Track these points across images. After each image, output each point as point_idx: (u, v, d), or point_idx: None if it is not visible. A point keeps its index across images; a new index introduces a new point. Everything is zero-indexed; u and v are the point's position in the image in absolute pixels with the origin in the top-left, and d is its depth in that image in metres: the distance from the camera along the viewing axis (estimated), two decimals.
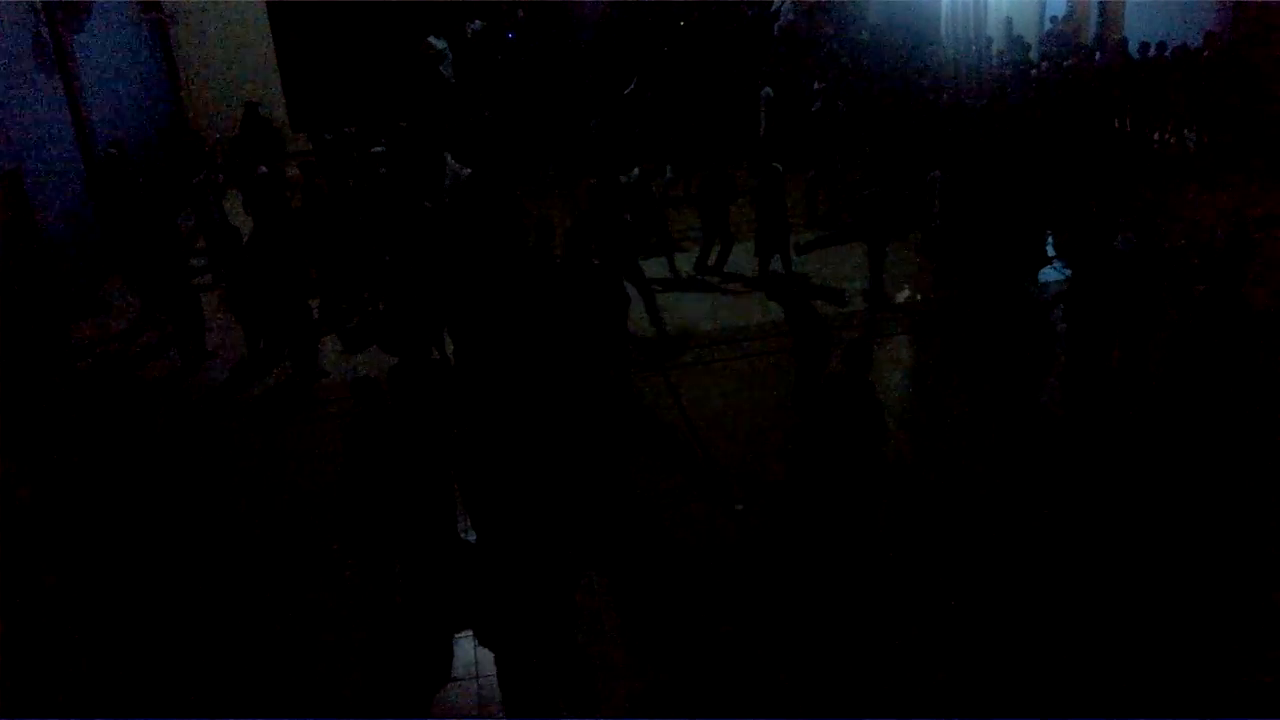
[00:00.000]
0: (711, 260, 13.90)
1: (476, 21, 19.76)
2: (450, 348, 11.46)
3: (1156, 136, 17.44)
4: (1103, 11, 20.63)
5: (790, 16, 20.79)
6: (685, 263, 14.13)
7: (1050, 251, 13.22)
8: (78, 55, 15.30)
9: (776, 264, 13.54)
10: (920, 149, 14.19)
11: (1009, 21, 20.55)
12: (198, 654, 8.05)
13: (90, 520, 9.70)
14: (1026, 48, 19.03)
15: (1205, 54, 16.96)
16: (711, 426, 10.49)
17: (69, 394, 11.96)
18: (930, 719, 7.10)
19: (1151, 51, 17.44)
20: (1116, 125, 17.32)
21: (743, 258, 14.10)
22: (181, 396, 11.90)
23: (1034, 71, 17.14)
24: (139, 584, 8.82)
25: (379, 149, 14.51)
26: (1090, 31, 20.40)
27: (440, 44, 19.12)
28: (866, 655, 7.65)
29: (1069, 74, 17.10)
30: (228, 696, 7.65)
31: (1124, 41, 17.91)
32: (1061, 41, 19.18)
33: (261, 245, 12.00)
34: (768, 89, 17.21)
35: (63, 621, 8.53)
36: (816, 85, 16.63)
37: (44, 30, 14.49)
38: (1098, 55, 18.18)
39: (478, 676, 7.69)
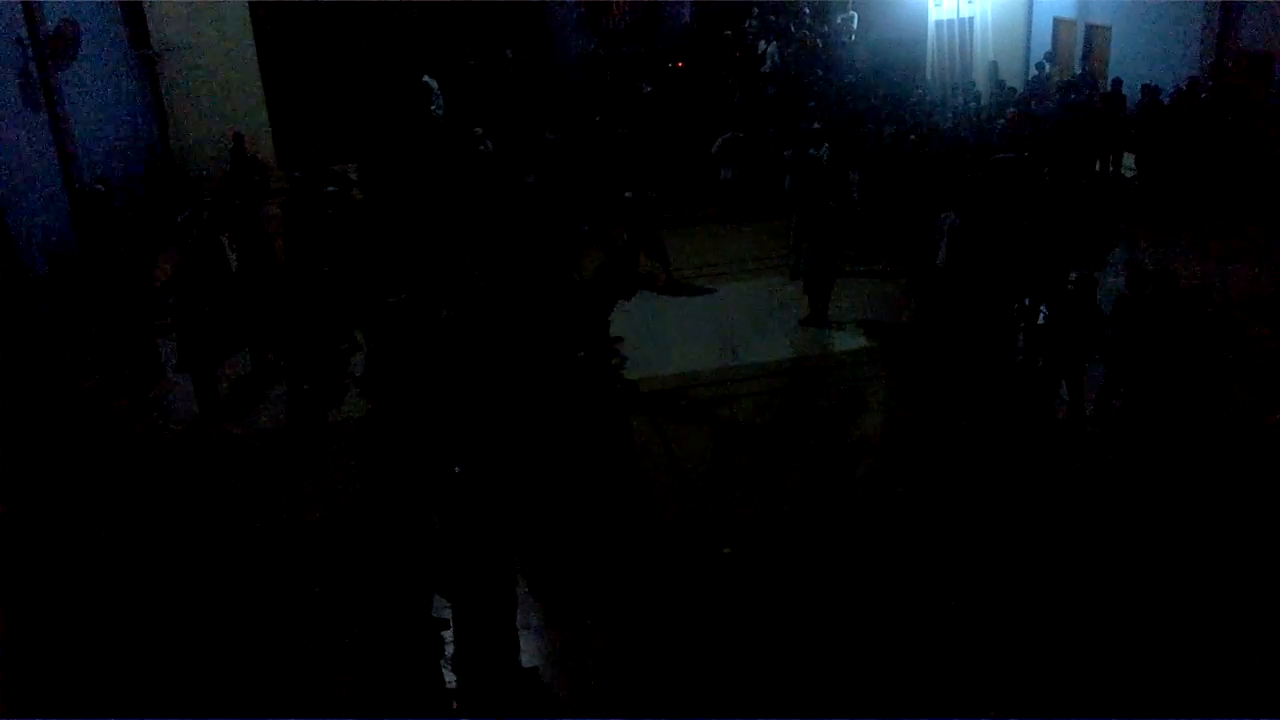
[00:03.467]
0: None
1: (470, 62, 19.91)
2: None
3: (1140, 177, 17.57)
4: (1087, 55, 20.86)
5: (776, 60, 20.94)
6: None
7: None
8: (65, 90, 15.26)
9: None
10: (922, 191, 14.22)
11: (994, 65, 20.75)
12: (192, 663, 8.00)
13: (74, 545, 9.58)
14: (1011, 92, 19.18)
15: (1203, 95, 17.13)
16: (699, 467, 10.42)
17: (66, 426, 11.79)
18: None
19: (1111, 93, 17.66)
20: (1110, 168, 17.49)
21: (736, 298, 14.18)
22: (169, 434, 11.75)
23: (1001, 121, 17.25)
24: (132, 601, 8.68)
25: (332, 189, 14.51)
26: (1075, 71, 20.58)
27: (432, 83, 19.20)
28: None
29: (1069, 117, 17.26)
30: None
31: (1118, 83, 18.07)
32: (1073, 87, 19.21)
33: (248, 280, 11.92)
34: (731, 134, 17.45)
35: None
36: (816, 125, 16.74)
37: (31, 65, 14.45)
38: (1072, 96, 18.33)
39: None
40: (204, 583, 9.06)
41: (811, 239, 13.63)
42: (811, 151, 15.66)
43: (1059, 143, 16.43)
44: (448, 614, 8.01)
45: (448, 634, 8.04)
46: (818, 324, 13.39)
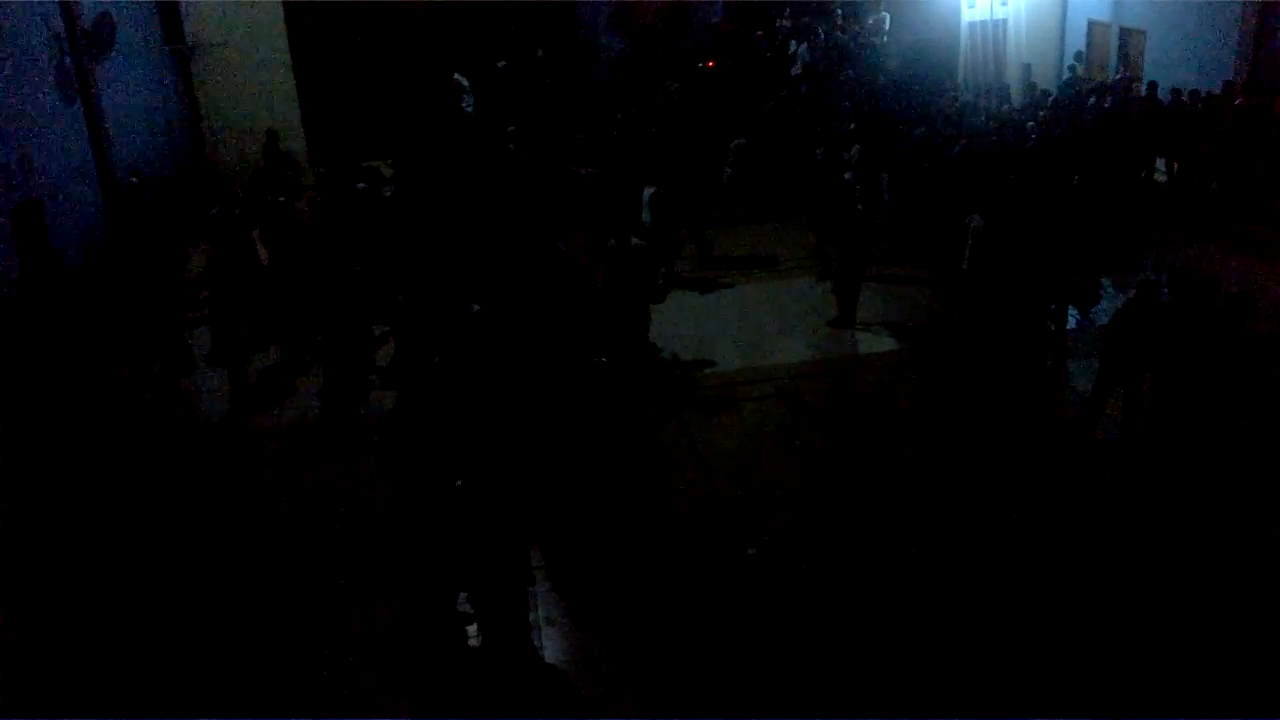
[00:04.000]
0: None
1: (501, 61, 19.95)
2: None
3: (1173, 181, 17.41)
4: (1122, 58, 20.68)
5: (807, 59, 20.88)
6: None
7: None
8: (100, 86, 15.40)
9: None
10: (950, 193, 14.12)
11: (1027, 67, 20.62)
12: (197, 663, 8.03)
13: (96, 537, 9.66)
14: (1045, 95, 19.04)
15: (1238, 101, 16.93)
16: (725, 468, 10.41)
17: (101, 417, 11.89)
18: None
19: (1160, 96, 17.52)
20: (1142, 171, 17.31)
21: (764, 298, 14.18)
22: (199, 426, 11.84)
23: (1030, 123, 17.12)
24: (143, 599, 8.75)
25: (362, 185, 14.60)
26: (1110, 78, 20.42)
27: (463, 81, 19.27)
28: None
29: (1096, 118, 17.12)
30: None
31: (1154, 86, 17.91)
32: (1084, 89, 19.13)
33: (280, 275, 11.99)
34: (740, 140, 17.45)
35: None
36: (851, 125, 16.69)
37: (67, 61, 14.59)
38: (1109, 100, 18.17)
39: None
40: (230, 576, 9.13)
41: (839, 241, 13.59)
42: (841, 154, 15.59)
43: (1093, 146, 16.30)
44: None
45: (472, 628, 8.09)
46: (846, 325, 13.35)
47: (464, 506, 7.87)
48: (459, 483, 7.96)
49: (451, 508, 7.89)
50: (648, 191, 14.38)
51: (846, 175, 14.26)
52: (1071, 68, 20.41)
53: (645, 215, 14.44)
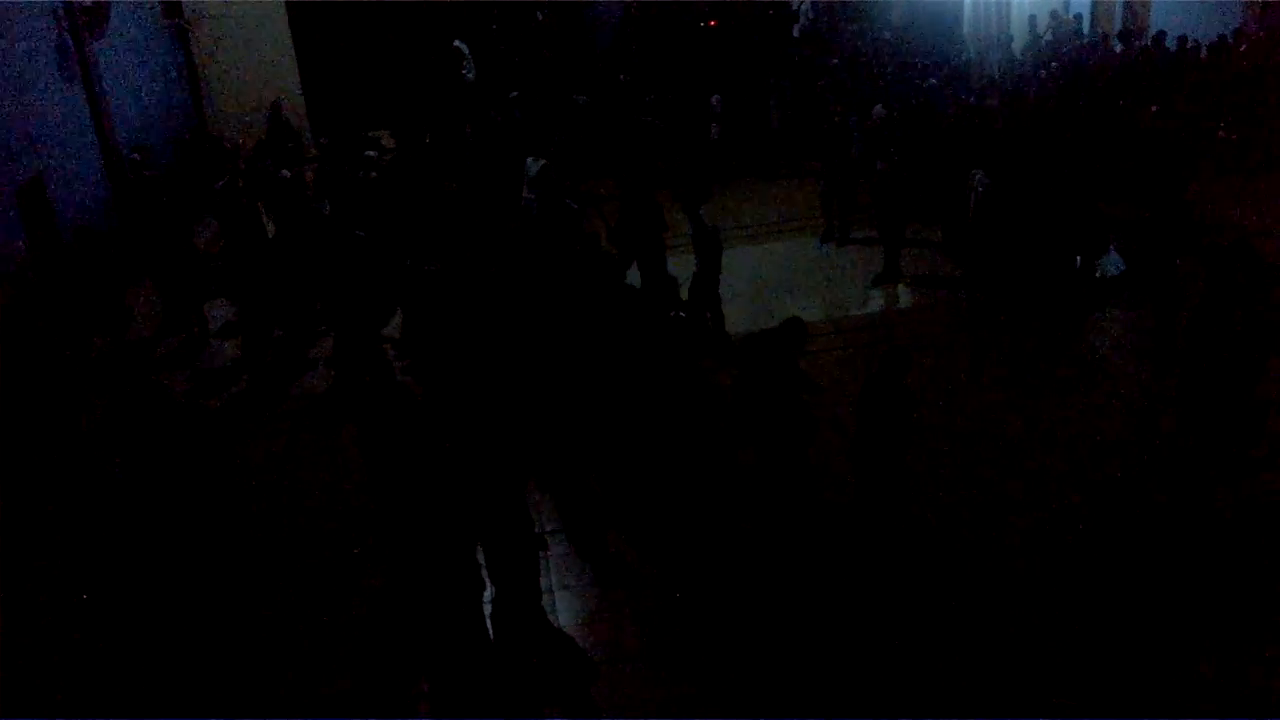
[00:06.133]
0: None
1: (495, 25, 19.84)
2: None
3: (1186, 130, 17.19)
4: (1128, 7, 20.44)
5: (810, 17, 20.68)
6: None
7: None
8: (99, 61, 15.33)
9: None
10: (955, 149, 14.01)
11: (1032, 20, 20.37)
12: (201, 656, 8.06)
13: (95, 521, 9.68)
14: (1051, 46, 18.85)
15: (1241, 49, 16.71)
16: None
17: (86, 399, 11.89)
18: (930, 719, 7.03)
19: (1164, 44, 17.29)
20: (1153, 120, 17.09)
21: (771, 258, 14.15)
22: (202, 402, 11.87)
23: (1043, 72, 16.94)
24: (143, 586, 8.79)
25: (371, 153, 14.54)
26: (1115, 27, 20.19)
27: (464, 48, 19.15)
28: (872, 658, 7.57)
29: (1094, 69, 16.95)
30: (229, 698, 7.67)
31: (1161, 35, 17.69)
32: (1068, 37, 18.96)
33: (286, 250, 11.99)
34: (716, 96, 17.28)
35: (63, 621, 8.53)
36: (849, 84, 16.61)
37: (65, 36, 14.52)
38: (1118, 48, 17.96)
39: None
40: (240, 548, 9.20)
41: (876, 195, 13.62)
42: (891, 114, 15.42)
43: (1103, 98, 16.11)
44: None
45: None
46: (891, 280, 13.34)
47: (458, 472, 7.90)
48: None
49: (445, 475, 7.92)
50: (532, 165, 13.53)
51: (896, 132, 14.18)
52: (1078, 16, 20.16)
53: (526, 191, 13.63)
